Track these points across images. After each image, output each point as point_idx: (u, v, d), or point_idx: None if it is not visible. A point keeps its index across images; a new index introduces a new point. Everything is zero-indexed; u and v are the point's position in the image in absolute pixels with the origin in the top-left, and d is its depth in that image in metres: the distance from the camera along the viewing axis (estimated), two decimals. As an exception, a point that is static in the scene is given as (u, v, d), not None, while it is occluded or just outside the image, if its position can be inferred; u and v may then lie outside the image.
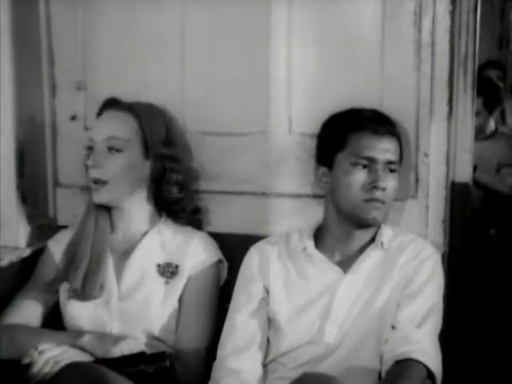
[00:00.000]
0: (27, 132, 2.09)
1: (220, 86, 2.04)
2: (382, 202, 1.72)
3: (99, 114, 1.96)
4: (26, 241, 2.09)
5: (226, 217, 2.06)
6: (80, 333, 1.83)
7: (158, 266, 1.90)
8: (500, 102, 3.80)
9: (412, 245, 1.79)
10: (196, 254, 1.91)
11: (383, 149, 1.73)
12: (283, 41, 1.98)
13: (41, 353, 1.72)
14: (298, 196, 2.02)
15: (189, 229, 1.98)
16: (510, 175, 3.42)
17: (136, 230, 1.95)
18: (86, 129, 2.13)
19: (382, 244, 1.78)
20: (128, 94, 1.96)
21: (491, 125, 3.56)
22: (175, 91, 2.06)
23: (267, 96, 2.01)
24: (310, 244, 1.82)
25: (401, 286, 1.73)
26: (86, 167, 1.89)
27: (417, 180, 1.93)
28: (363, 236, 1.79)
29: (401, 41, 1.90)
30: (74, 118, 2.16)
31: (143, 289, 1.88)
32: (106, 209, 1.93)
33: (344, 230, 1.79)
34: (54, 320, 1.95)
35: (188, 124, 2.06)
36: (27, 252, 2.07)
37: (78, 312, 1.88)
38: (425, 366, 1.60)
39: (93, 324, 1.87)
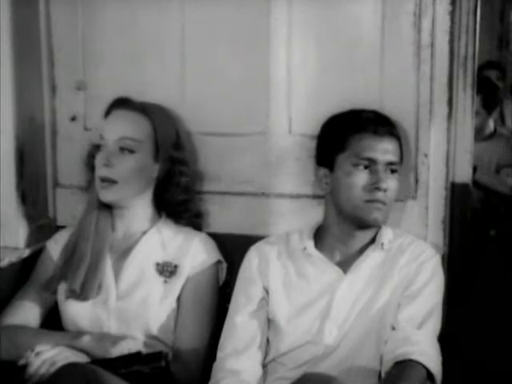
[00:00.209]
0: (27, 132, 2.09)
1: (220, 86, 2.04)
2: (383, 203, 1.72)
3: (107, 112, 1.94)
4: (25, 241, 2.09)
5: (226, 217, 2.06)
6: (79, 333, 1.82)
7: (157, 264, 1.90)
8: (499, 103, 3.79)
9: (412, 246, 1.79)
10: (196, 254, 1.90)
11: (384, 150, 1.73)
12: (283, 41, 1.98)
13: (37, 354, 1.72)
14: (298, 196, 2.02)
15: (189, 229, 1.98)
16: (510, 176, 3.42)
17: (136, 229, 1.94)
18: (86, 129, 2.13)
19: (382, 245, 1.78)
20: (128, 94, 1.95)
21: (490, 125, 3.55)
22: (175, 91, 2.06)
23: (267, 96, 2.00)
24: (310, 244, 1.81)
25: (401, 287, 1.73)
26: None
27: (416, 181, 1.93)
28: (364, 237, 1.79)
29: (400, 41, 1.90)
30: (73, 118, 2.16)
31: (141, 288, 1.87)
32: (108, 208, 1.93)
33: (344, 230, 1.79)
34: (53, 320, 1.94)
35: (188, 124, 2.05)
36: (27, 252, 2.07)
37: (76, 312, 1.88)
38: (425, 367, 1.60)
39: (91, 323, 1.87)
